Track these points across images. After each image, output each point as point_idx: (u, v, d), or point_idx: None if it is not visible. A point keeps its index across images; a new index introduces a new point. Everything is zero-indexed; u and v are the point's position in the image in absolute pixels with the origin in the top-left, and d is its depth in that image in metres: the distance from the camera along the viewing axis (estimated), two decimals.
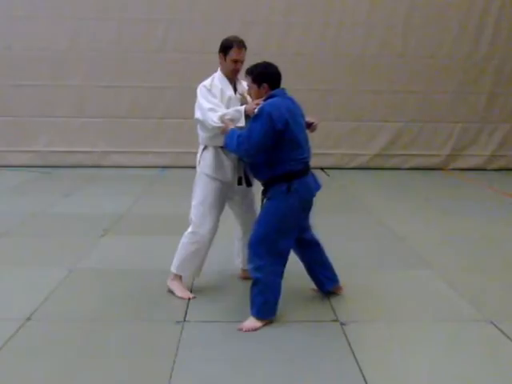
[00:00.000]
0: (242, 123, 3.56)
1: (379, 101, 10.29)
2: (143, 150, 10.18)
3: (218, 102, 3.71)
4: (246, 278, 4.14)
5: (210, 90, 3.74)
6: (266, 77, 3.53)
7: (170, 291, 3.98)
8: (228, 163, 3.81)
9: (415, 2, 10.15)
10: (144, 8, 9.87)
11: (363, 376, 2.89)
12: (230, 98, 3.77)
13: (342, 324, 3.52)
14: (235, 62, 3.75)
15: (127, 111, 10.11)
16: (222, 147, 3.75)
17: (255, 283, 3.49)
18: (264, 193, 3.58)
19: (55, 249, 5.10)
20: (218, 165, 3.82)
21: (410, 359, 3.13)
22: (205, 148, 3.88)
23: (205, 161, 3.86)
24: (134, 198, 7.39)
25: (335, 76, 10.13)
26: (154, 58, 9.93)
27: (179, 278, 3.98)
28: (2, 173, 9.46)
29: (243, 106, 3.62)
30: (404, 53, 10.24)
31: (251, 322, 3.48)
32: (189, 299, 3.87)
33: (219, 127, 3.60)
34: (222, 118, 3.59)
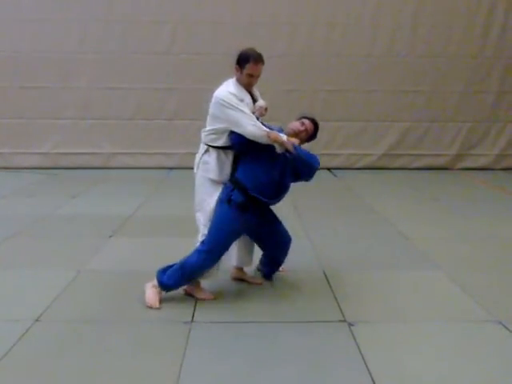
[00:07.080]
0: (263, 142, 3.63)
1: (386, 101, 10.27)
2: (151, 152, 10.22)
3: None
4: (238, 279, 4.23)
5: (242, 100, 3.69)
6: (316, 133, 3.96)
7: (190, 294, 3.95)
8: (228, 163, 3.82)
9: (422, 2, 10.13)
10: (151, 10, 9.88)
11: (372, 378, 2.88)
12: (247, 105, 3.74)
13: (349, 325, 3.51)
14: (251, 76, 3.70)
15: (134, 113, 10.14)
16: (223, 148, 3.76)
17: None
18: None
19: (63, 250, 5.12)
20: (221, 167, 3.81)
21: (420, 361, 3.11)
22: (206, 151, 3.82)
23: (207, 165, 3.81)
24: (142, 200, 7.40)
25: (342, 76, 10.10)
26: (161, 60, 9.95)
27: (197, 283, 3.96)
28: (9, 175, 9.50)
29: (284, 136, 3.67)
30: (411, 52, 10.21)
31: None
32: (203, 299, 3.87)
33: (266, 134, 3.60)
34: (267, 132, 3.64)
